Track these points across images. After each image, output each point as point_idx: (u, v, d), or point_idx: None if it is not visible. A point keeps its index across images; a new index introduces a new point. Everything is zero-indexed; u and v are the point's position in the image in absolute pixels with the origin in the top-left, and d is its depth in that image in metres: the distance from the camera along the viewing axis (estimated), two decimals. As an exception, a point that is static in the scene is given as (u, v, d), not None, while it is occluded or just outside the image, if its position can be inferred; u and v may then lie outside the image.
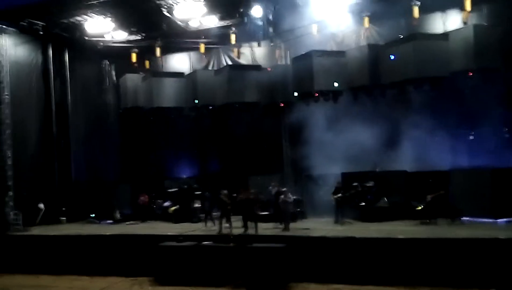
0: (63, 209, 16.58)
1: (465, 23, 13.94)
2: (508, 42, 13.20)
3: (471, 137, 13.91)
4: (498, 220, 11.80)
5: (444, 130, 13.89)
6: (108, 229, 14.60)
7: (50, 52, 17.25)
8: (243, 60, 18.09)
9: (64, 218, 16.47)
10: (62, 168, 17.18)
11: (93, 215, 16.45)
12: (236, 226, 12.60)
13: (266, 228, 12.51)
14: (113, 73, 19.58)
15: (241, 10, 15.65)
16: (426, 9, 14.35)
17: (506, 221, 11.77)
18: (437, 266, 9.83)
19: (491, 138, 13.43)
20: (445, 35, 14.13)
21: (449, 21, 14.62)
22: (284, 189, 13.25)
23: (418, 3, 14.10)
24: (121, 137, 19.40)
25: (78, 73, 18.22)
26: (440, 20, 14.84)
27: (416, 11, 14.23)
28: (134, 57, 18.05)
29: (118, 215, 16.05)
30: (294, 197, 13.33)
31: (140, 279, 11.76)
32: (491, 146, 13.27)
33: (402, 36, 14.51)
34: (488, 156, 13.08)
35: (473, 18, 13.88)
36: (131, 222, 15.62)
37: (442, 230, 11.32)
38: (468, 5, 13.68)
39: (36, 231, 14.57)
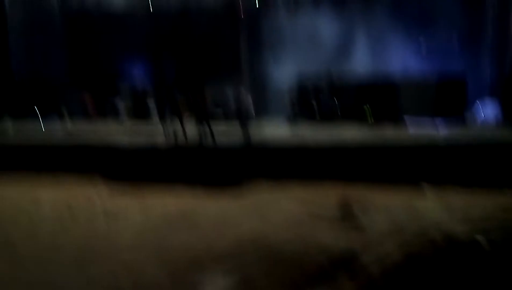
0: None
1: None
2: None
3: (423, 40, 14.16)
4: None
5: (400, 31, 14.07)
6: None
7: None
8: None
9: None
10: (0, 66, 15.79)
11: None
12: (191, 130, 12.59)
13: (225, 130, 12.69)
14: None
15: None
16: None
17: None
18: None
19: (443, 42, 13.78)
20: None
21: None
22: (241, 90, 13.28)
23: None
24: (68, 39, 17.77)
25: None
26: None
27: None
28: None
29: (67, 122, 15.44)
30: (250, 98, 13.45)
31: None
32: (441, 49, 13.67)
33: None
34: (437, 59, 13.56)
35: None
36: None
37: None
38: None
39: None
